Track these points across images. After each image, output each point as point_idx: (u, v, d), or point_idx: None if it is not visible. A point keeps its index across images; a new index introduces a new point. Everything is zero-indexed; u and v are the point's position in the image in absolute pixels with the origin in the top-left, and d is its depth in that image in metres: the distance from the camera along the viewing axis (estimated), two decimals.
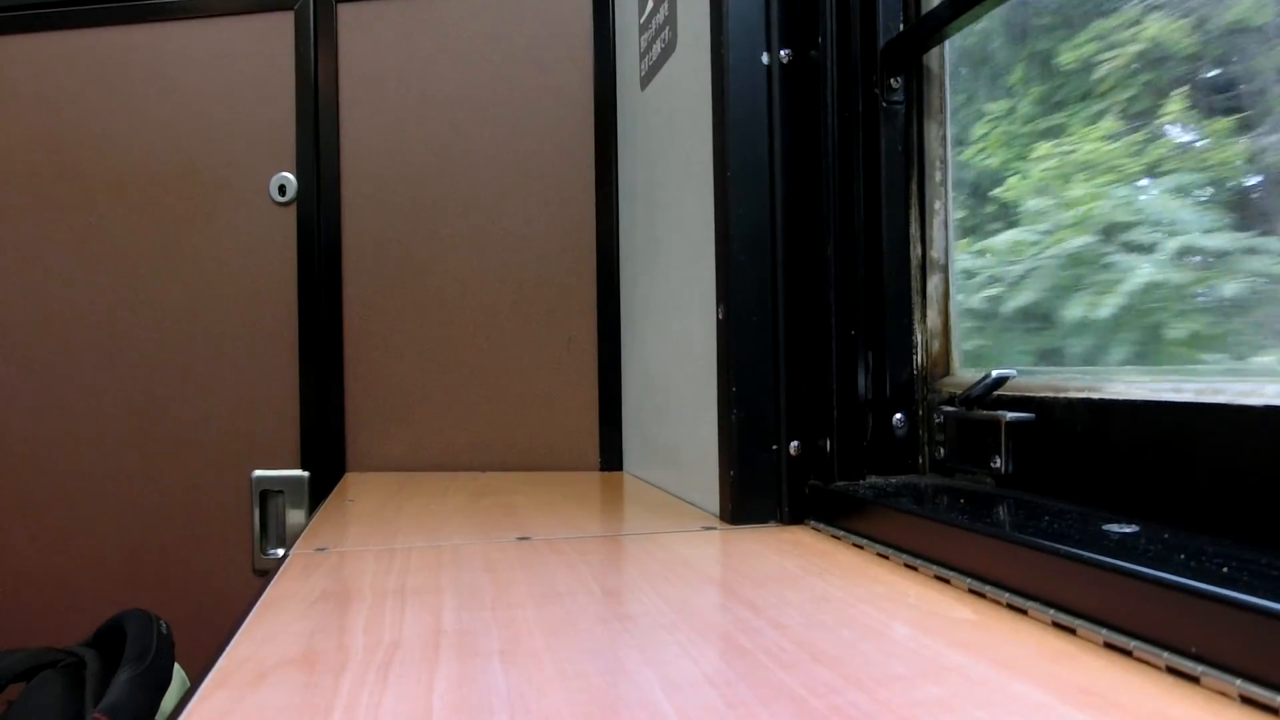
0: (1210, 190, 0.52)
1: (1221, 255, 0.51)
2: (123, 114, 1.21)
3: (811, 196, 0.72)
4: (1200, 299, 0.52)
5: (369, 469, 1.18)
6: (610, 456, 1.15)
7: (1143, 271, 0.56)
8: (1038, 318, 0.65)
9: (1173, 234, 0.54)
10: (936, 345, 0.72)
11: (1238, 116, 0.49)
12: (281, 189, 1.19)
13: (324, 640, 0.44)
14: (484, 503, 0.89)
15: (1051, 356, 0.64)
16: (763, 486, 0.72)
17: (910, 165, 0.72)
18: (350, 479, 1.13)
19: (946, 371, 0.72)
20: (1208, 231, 0.52)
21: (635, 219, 1.07)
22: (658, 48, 0.94)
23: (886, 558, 0.58)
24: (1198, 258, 0.52)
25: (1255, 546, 0.41)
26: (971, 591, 0.48)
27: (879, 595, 0.49)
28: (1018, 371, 0.61)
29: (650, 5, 0.96)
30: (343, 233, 1.19)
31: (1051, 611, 0.42)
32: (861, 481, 0.69)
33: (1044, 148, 0.64)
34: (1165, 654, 0.35)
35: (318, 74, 1.19)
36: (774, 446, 0.72)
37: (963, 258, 0.71)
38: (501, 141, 1.18)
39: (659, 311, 0.95)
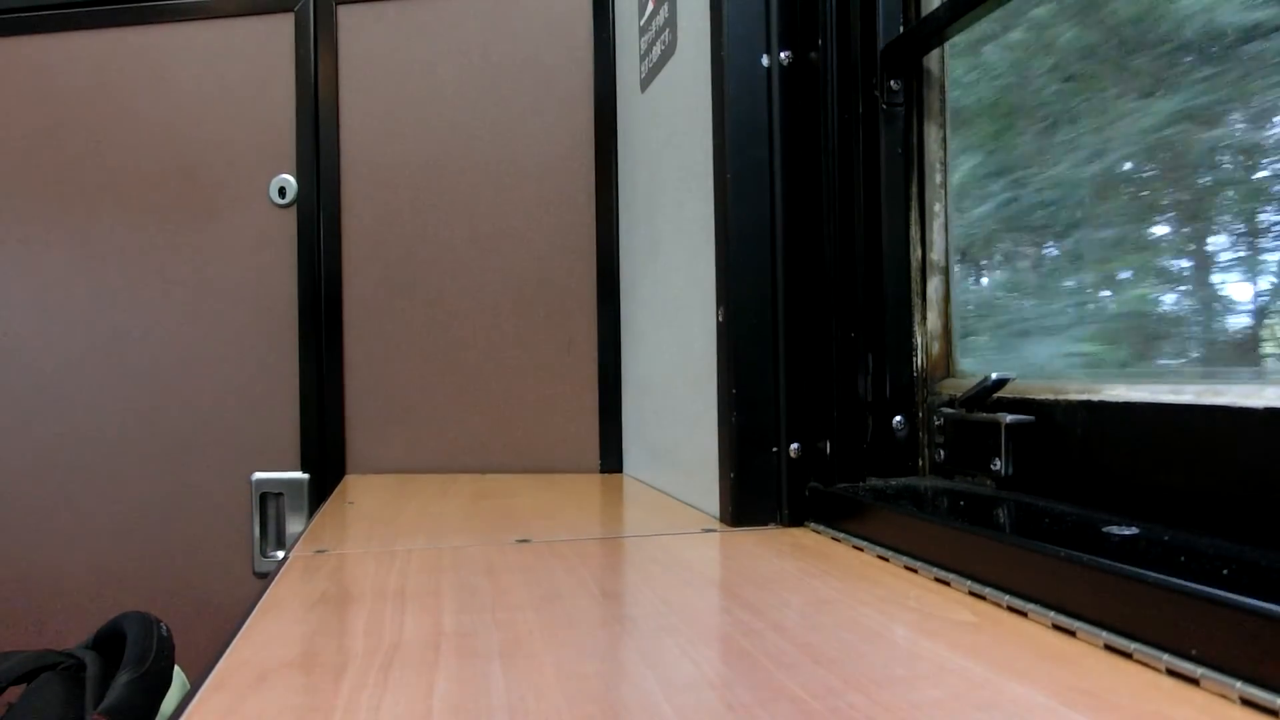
0: None
1: None
2: (123, 116, 1.22)
3: (811, 199, 0.72)
4: None
5: (369, 471, 1.18)
6: (610, 459, 1.15)
7: None
8: None
9: None
10: (936, 347, 0.72)
11: None
12: (281, 191, 1.19)
13: (324, 642, 0.44)
14: (484, 505, 0.89)
15: None
16: (763, 488, 0.72)
17: (910, 168, 0.72)
18: (350, 481, 1.13)
19: (947, 374, 0.72)
20: None
21: (635, 221, 1.07)
22: (658, 50, 0.94)
23: (887, 560, 0.58)
24: None
25: (1256, 548, 0.41)
26: (972, 594, 0.48)
27: (879, 598, 0.49)
28: (1017, 374, 0.61)
29: (650, 7, 0.96)
30: (343, 235, 1.19)
31: (1052, 614, 0.42)
32: (861, 484, 0.69)
33: None
34: (1165, 656, 0.35)
35: (317, 76, 1.19)
36: (774, 449, 0.72)
37: None
38: (502, 143, 1.18)
39: (659, 313, 0.95)
